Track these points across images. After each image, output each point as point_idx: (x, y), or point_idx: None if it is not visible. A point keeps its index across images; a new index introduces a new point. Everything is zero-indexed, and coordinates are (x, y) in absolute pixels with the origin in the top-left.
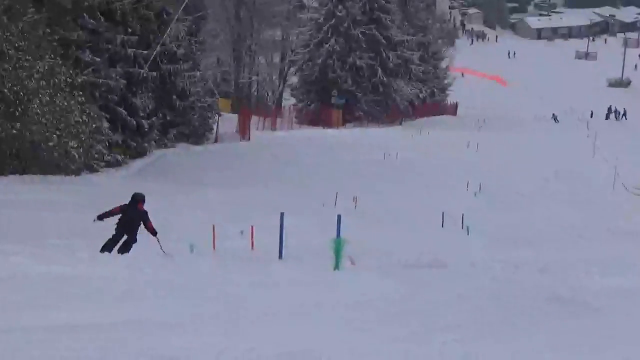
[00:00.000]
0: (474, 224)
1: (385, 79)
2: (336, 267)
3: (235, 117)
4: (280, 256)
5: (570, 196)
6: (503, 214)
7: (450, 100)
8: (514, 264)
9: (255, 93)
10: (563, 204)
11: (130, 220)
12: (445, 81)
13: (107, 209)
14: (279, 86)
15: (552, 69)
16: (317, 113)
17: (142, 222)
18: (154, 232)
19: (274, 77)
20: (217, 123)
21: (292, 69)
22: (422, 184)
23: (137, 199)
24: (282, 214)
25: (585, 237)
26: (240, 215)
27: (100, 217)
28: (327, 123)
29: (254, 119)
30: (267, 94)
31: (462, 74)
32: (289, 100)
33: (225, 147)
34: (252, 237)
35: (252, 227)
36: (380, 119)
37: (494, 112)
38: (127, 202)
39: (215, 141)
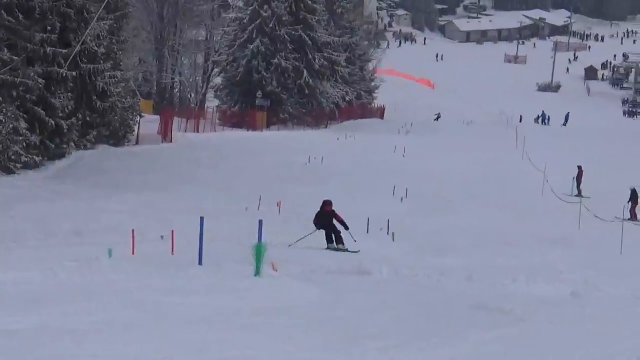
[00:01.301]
0: (399, 229)
1: (310, 80)
2: (257, 273)
3: (156, 118)
4: (200, 262)
5: (498, 201)
6: (430, 219)
7: (377, 103)
8: (439, 271)
9: (178, 94)
10: (491, 210)
11: (323, 219)
12: (372, 83)
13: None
14: (202, 87)
15: (481, 72)
16: (241, 115)
17: (333, 218)
18: (345, 226)
19: (197, 78)
20: (138, 124)
21: (216, 70)
22: (347, 189)
23: (324, 204)
24: (201, 218)
25: (512, 243)
26: (161, 219)
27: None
28: (251, 125)
29: (176, 120)
30: (190, 95)
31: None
32: (212, 102)
33: (146, 149)
34: (172, 241)
35: (172, 231)
36: (306, 122)
37: (422, 115)
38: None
39: (136, 143)
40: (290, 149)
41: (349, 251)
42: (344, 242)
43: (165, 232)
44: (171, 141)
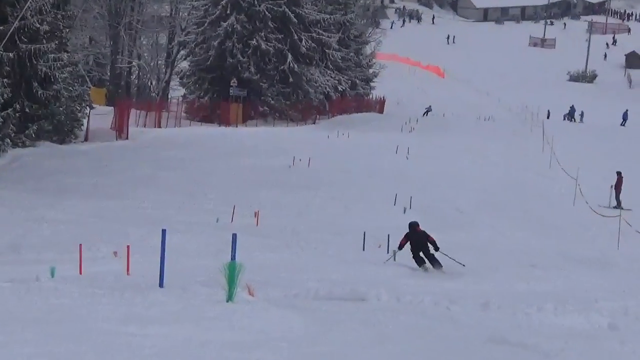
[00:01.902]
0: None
1: (296, 66)
2: (230, 298)
3: (110, 110)
4: (162, 284)
5: (520, 214)
6: (438, 234)
7: (375, 94)
8: (449, 297)
9: (136, 81)
10: (512, 224)
11: (419, 241)
12: (370, 70)
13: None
14: (166, 73)
15: (501, 58)
16: (212, 107)
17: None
18: (436, 247)
19: (159, 62)
20: (88, 117)
21: (182, 53)
22: (338, 197)
23: (414, 225)
24: (163, 232)
25: (538, 265)
26: (115, 232)
27: (400, 247)
28: (224, 120)
29: (134, 113)
30: (151, 83)
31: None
32: (177, 91)
33: (97, 148)
34: (127, 259)
35: (128, 247)
36: (290, 116)
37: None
38: (408, 231)
39: (85, 140)
40: (271, 149)
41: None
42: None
43: (120, 247)
44: (127, 138)
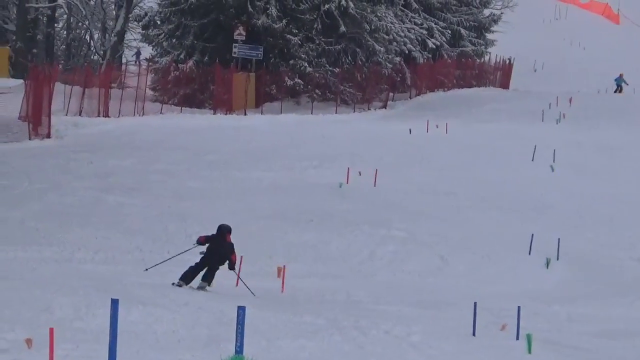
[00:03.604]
0: (546, 332)
1: (351, 3)
2: None
3: (19, 85)
4: None
5: None
6: (613, 307)
7: (496, 55)
8: None
9: (65, 34)
10: None
11: (216, 251)
12: (487, 12)
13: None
14: (117, 19)
15: None
16: (200, 80)
17: (227, 255)
18: (233, 266)
19: (103, 3)
20: None
21: None
22: (429, 242)
23: (225, 231)
24: (114, 303)
25: None
26: (28, 305)
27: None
28: (221, 102)
29: (60, 91)
30: (91, 37)
31: None
32: (140, 51)
33: None
34: (51, 352)
35: (50, 330)
36: (341, 95)
37: (594, 82)
38: (213, 233)
39: None
40: (306, 155)
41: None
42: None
43: (36, 332)
44: (49, 136)
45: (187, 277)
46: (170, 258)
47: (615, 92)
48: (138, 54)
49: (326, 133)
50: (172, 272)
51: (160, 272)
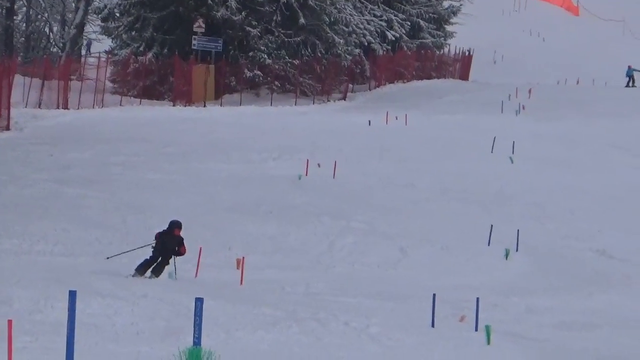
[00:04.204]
0: (506, 324)
1: None
2: None
3: None
4: None
5: None
6: (566, 297)
7: (455, 46)
8: None
9: (24, 26)
10: None
11: (167, 244)
12: (446, 3)
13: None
14: (77, 11)
15: None
16: (160, 72)
17: (177, 247)
18: (182, 254)
19: None
20: None
21: None
22: (389, 234)
23: (174, 227)
24: (72, 294)
25: None
26: None
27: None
28: (181, 94)
29: (20, 82)
30: (50, 31)
31: None
32: (98, 44)
33: None
34: (9, 345)
35: (9, 322)
36: (301, 87)
37: (554, 73)
38: (164, 229)
39: None
40: (266, 147)
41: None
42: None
43: None
44: (8, 128)
45: (141, 269)
46: (130, 250)
47: (627, 85)
48: (89, 44)
49: (285, 125)
50: (132, 264)
51: (120, 263)
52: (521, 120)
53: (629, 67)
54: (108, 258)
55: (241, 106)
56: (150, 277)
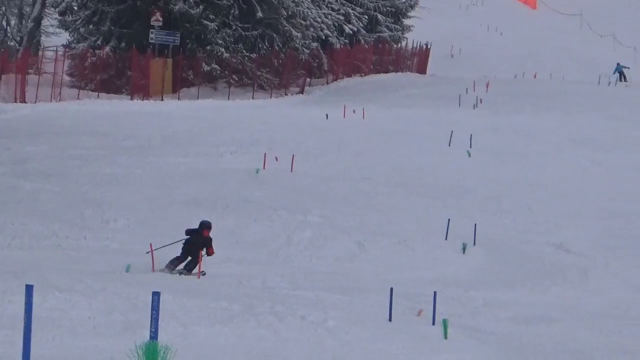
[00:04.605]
0: (462, 318)
1: None
2: None
3: None
4: None
5: None
6: (523, 291)
7: (413, 40)
8: None
9: None
10: None
11: (195, 243)
12: None
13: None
14: (33, 9)
15: None
16: (117, 66)
17: (204, 247)
18: (211, 255)
19: None
20: None
21: None
22: (347, 228)
23: (204, 227)
24: (29, 289)
25: None
26: None
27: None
28: (139, 88)
29: None
30: (7, 26)
31: None
32: (57, 38)
33: None
34: None
35: None
36: (258, 80)
37: (512, 67)
38: (194, 228)
39: None
40: (224, 140)
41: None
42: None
43: None
44: None
45: (171, 265)
46: (167, 245)
47: (619, 80)
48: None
49: (243, 119)
50: (89, 259)
51: (77, 257)
52: (478, 113)
53: (618, 64)
54: (147, 252)
55: (199, 100)
56: (180, 274)
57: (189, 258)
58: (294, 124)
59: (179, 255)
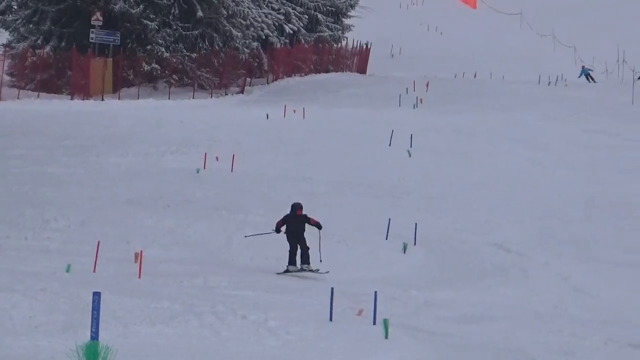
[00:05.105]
0: (402, 317)
1: None
2: None
3: None
4: None
5: (622, 255)
6: (463, 291)
7: (353, 39)
8: None
9: None
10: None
11: (296, 229)
12: None
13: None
14: None
15: None
16: (57, 66)
17: (306, 224)
18: (319, 226)
19: None
20: None
21: None
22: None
23: (296, 208)
24: None
25: None
26: None
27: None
28: (79, 88)
29: None
30: None
31: None
32: None
33: None
34: None
35: None
36: (198, 80)
37: (454, 66)
38: (288, 214)
39: None
40: (164, 140)
41: (319, 272)
42: (310, 261)
43: None
44: None
45: (292, 262)
46: (265, 233)
47: (588, 81)
48: None
49: (184, 118)
50: (29, 259)
51: (18, 257)
52: (419, 113)
53: (583, 67)
54: (246, 237)
55: (139, 100)
56: (304, 270)
57: (298, 248)
58: (234, 124)
59: (289, 249)
